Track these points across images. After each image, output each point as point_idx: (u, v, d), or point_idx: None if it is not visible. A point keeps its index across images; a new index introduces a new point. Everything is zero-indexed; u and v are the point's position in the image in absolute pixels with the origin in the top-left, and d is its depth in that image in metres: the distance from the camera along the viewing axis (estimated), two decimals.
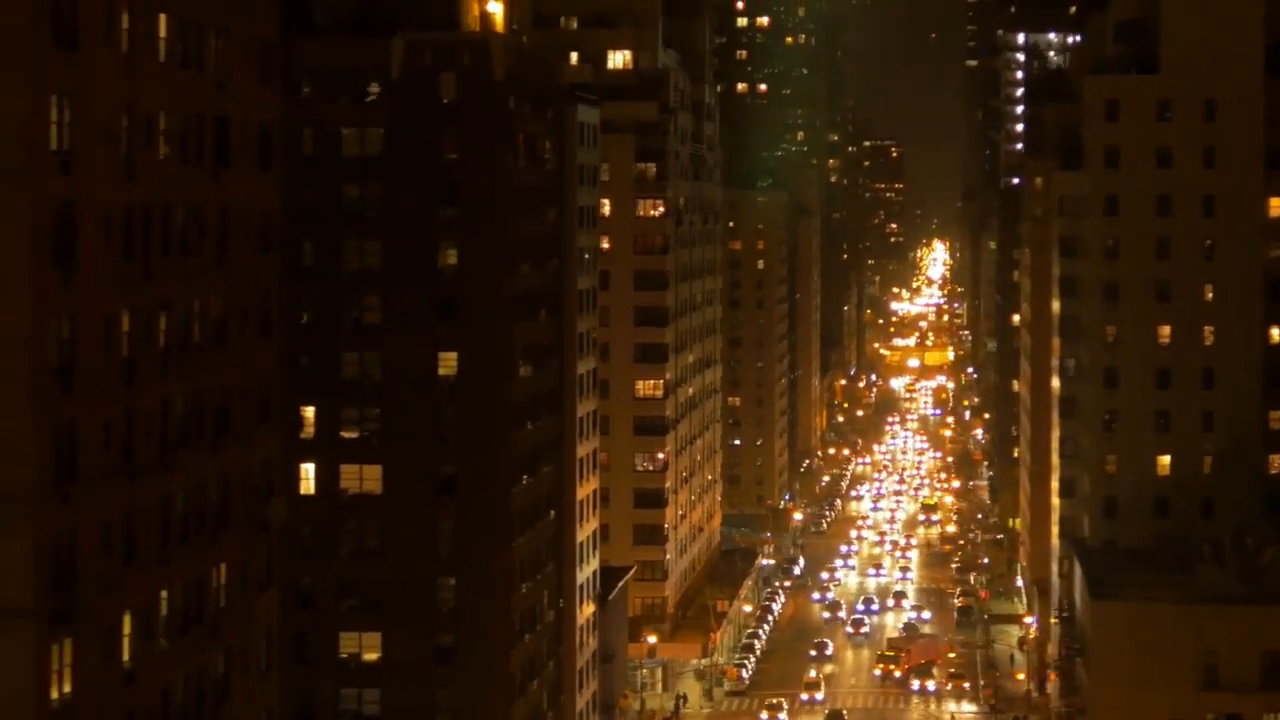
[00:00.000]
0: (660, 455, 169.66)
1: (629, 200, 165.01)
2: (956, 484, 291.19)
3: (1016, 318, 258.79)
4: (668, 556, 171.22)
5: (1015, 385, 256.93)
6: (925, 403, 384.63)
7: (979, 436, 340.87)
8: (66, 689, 58.79)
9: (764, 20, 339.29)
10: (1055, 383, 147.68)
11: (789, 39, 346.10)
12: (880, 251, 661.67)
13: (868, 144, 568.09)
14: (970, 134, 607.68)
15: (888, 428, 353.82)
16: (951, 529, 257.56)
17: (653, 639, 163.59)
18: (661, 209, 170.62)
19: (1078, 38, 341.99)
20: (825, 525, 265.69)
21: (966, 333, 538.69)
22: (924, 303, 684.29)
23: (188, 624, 68.10)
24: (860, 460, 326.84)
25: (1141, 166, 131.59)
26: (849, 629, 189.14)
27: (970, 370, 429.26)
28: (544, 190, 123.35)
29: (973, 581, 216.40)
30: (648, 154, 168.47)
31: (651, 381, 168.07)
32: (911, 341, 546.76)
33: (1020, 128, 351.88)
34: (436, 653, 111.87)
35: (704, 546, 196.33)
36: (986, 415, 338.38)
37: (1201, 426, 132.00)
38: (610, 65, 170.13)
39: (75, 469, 59.31)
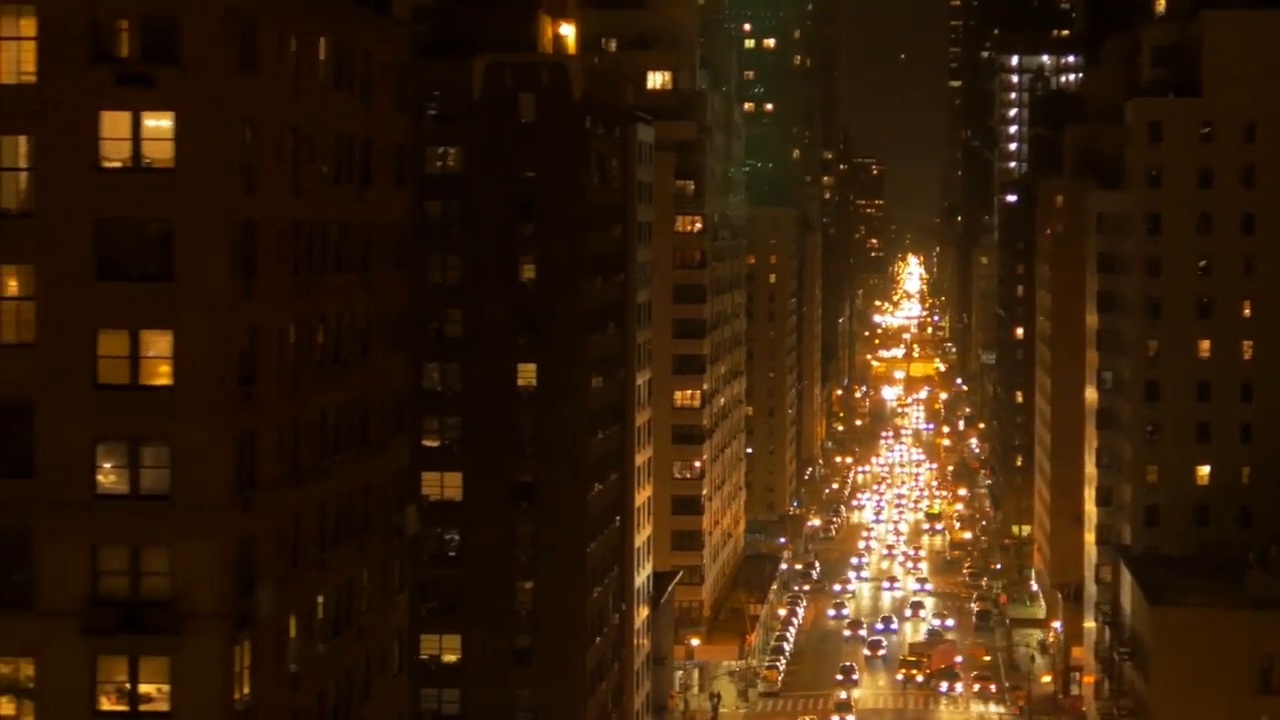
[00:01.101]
0: (696, 464, 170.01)
1: (669, 216, 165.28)
2: (964, 492, 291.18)
3: (1020, 331, 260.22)
4: (704, 561, 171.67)
5: (1019, 397, 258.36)
6: (918, 417, 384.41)
7: (974, 446, 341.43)
8: (246, 691, 59.03)
9: (770, 42, 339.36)
10: (1090, 394, 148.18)
11: (796, 59, 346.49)
12: (861, 266, 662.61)
13: (856, 160, 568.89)
14: (952, 152, 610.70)
15: (883, 441, 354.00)
16: (968, 535, 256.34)
17: (695, 641, 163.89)
18: (699, 225, 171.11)
19: (1071, 58, 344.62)
20: (834, 531, 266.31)
21: (950, 345, 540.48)
22: (904, 315, 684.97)
23: (339, 627, 68.39)
24: (860, 469, 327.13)
25: (1184, 186, 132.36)
26: (866, 651, 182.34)
27: (959, 381, 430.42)
28: (612, 207, 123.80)
29: (984, 585, 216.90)
30: (686, 172, 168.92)
31: (689, 392, 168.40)
32: (897, 353, 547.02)
33: (1015, 146, 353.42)
34: (514, 654, 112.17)
35: (731, 552, 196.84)
36: (982, 425, 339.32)
37: (1240, 438, 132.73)
38: (649, 85, 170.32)
39: (255, 477, 59.60)
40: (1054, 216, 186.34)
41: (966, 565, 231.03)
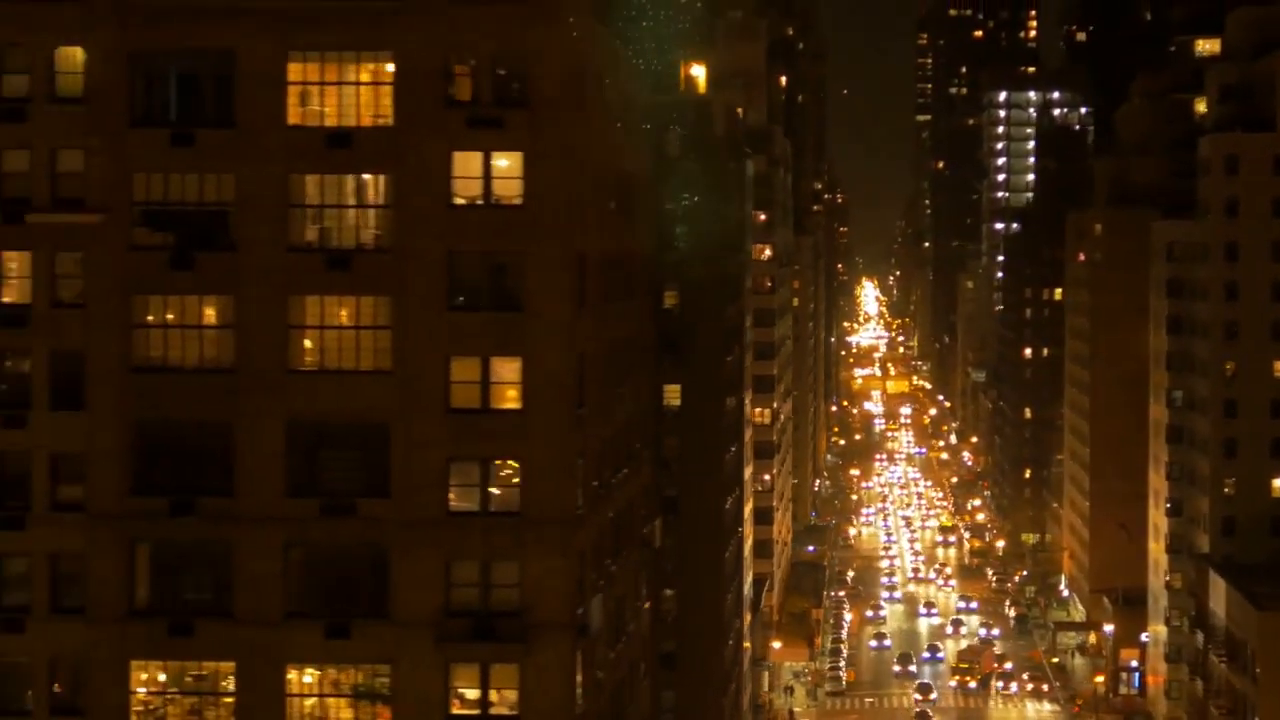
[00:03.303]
0: (767, 476, 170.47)
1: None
2: (977, 502, 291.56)
3: (1029, 351, 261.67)
4: (774, 569, 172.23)
5: (1027, 413, 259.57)
6: (908, 440, 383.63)
7: (966, 460, 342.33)
8: (579, 697, 59.33)
9: (784, 80, 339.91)
10: (1158, 412, 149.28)
11: (799, 97, 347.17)
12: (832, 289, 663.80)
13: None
14: (918, 182, 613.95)
15: (878, 462, 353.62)
16: (1000, 544, 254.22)
17: (777, 644, 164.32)
18: (769, 253, 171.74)
19: (1056, 94, 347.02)
20: (852, 540, 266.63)
21: (921, 363, 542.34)
22: (873, 335, 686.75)
23: (619, 634, 68.69)
24: (864, 484, 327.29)
25: (1259, 215, 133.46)
26: (917, 695, 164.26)
27: (941, 398, 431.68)
28: (734, 235, 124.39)
29: (1013, 590, 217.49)
30: (760, 203, 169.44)
31: (764, 409, 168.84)
32: (872, 371, 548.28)
33: (1002, 178, 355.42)
34: (660, 658, 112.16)
35: (786, 559, 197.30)
36: (974, 440, 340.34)
37: None
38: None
39: (583, 494, 59.96)
40: (1092, 244, 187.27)
41: (992, 573, 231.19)
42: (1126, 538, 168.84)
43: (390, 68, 57.55)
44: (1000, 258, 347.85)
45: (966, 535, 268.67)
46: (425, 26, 57.06)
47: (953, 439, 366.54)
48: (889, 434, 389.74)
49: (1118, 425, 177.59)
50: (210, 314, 57.98)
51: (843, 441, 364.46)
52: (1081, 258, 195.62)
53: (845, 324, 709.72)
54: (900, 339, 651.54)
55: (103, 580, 57.64)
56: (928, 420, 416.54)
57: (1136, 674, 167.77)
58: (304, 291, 57.63)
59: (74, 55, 57.78)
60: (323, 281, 57.46)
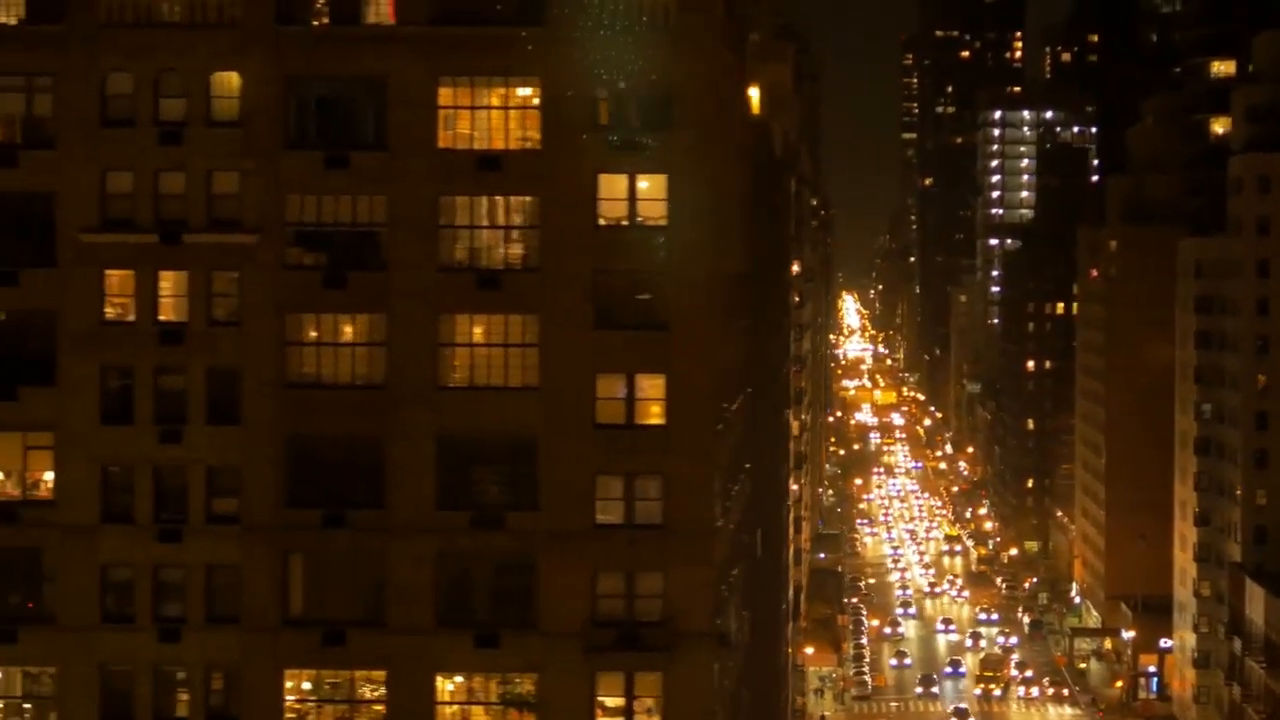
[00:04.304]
0: (795, 486, 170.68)
1: None
2: (983, 511, 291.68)
3: (1031, 364, 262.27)
4: (801, 576, 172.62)
5: (1030, 424, 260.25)
6: (904, 455, 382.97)
7: (962, 469, 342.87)
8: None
9: None
10: (1185, 424, 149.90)
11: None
12: None
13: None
14: (902, 198, 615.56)
15: (875, 475, 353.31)
16: (1012, 551, 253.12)
17: (810, 649, 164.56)
18: (797, 268, 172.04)
19: (1050, 113, 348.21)
20: (858, 548, 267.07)
21: (908, 375, 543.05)
22: (859, 347, 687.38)
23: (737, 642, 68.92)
24: (865, 496, 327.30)
25: None
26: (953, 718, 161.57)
27: (933, 409, 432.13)
28: (785, 252, 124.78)
29: (1024, 596, 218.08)
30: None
31: (794, 421, 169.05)
32: (861, 382, 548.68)
33: (997, 194, 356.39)
34: None
35: (806, 566, 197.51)
36: (970, 450, 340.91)
37: None
38: None
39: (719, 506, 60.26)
40: (1107, 260, 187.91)
41: (1001, 580, 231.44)
42: (1145, 546, 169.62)
43: (537, 92, 57.68)
44: (995, 272, 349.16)
45: (969, 544, 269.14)
46: (572, 52, 57.24)
47: (948, 449, 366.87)
48: (885, 448, 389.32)
49: (1133, 436, 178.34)
50: (362, 332, 58.10)
51: (842, 451, 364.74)
52: (1095, 273, 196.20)
53: (831, 336, 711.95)
54: (885, 351, 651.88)
55: (257, 590, 57.75)
56: (922, 431, 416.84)
57: (1154, 679, 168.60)
58: (453, 310, 57.83)
59: (230, 80, 57.86)
60: (472, 300, 57.66)
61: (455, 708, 58.40)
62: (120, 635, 57.88)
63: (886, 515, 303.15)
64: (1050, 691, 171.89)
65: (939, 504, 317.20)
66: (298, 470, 58.00)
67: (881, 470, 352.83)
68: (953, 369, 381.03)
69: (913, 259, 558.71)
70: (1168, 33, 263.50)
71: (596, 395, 57.71)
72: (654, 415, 57.89)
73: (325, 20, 59.00)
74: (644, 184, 57.83)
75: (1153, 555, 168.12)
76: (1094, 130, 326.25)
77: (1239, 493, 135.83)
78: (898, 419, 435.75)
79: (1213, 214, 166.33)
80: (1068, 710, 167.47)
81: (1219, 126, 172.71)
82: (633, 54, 57.29)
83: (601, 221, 57.75)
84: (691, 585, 57.72)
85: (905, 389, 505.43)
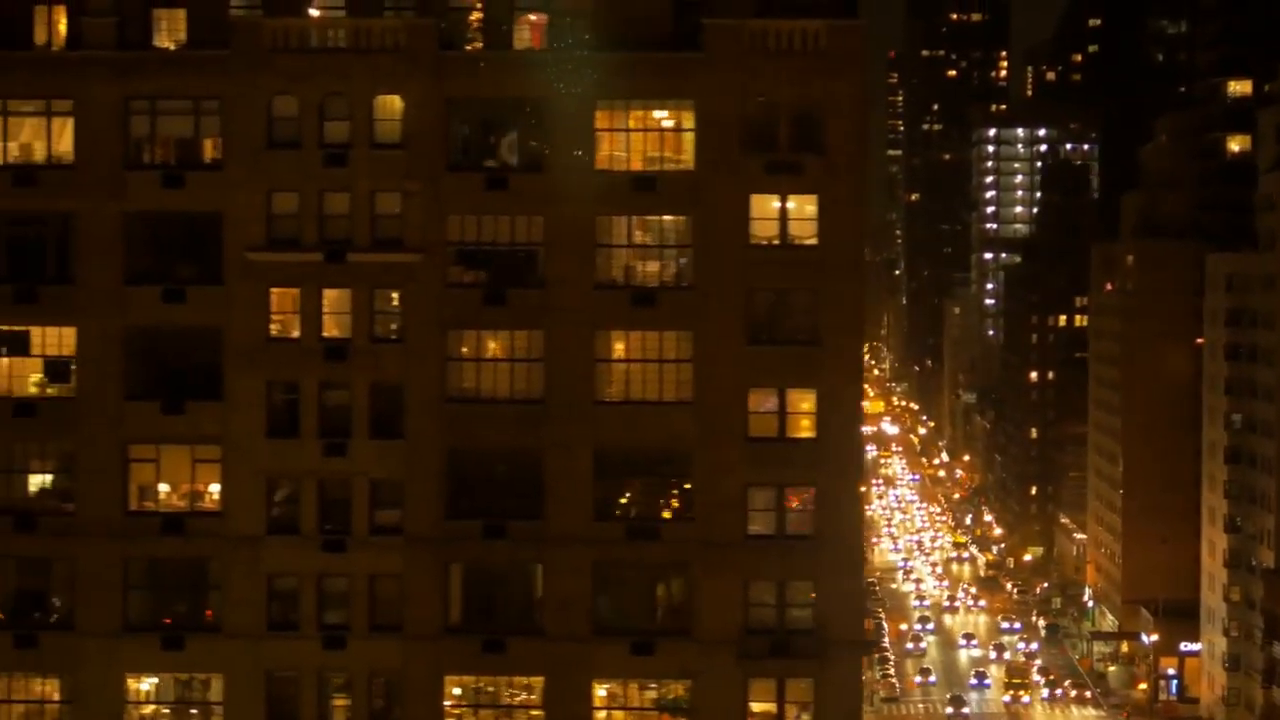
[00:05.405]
0: None
1: None
2: (989, 518, 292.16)
3: (1034, 375, 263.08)
4: None
5: (1033, 433, 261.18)
6: (902, 466, 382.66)
7: (958, 476, 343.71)
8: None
9: None
10: (1214, 434, 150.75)
11: None
12: None
13: None
14: (886, 213, 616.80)
15: (874, 487, 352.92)
16: (1026, 558, 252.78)
17: None
18: None
19: (1042, 131, 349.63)
20: (868, 555, 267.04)
21: (894, 384, 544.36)
22: None
23: None
24: (868, 506, 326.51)
25: None
26: None
27: (925, 418, 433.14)
28: None
29: (1038, 600, 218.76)
30: None
31: None
32: None
33: (991, 209, 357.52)
34: None
35: None
36: (967, 458, 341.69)
37: None
38: None
39: None
40: (1123, 274, 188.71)
41: (1011, 585, 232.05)
42: (1165, 551, 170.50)
43: (692, 114, 57.99)
44: (990, 285, 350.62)
45: (974, 550, 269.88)
46: (727, 76, 57.58)
47: (944, 457, 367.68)
48: (882, 459, 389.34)
49: (1151, 445, 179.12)
50: (520, 348, 58.31)
51: None
52: (1109, 286, 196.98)
53: None
54: (871, 362, 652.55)
55: (419, 600, 57.88)
56: (916, 440, 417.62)
57: (1174, 682, 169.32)
58: (610, 326, 58.11)
59: (392, 103, 58.03)
60: (628, 317, 57.93)
61: (610, 712, 58.49)
62: (285, 642, 57.96)
63: (890, 526, 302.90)
64: (1073, 694, 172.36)
65: (939, 510, 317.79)
66: (458, 483, 58.17)
67: (880, 482, 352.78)
68: (947, 379, 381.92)
69: (898, 272, 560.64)
70: (1174, 53, 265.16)
71: (749, 409, 57.99)
72: (804, 429, 58.21)
73: (479, 45, 59.30)
74: (794, 204, 58.12)
75: (1171, 560, 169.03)
76: (1087, 148, 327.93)
77: (1271, 500, 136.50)
78: (889, 428, 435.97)
79: (1228, 229, 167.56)
80: (1090, 712, 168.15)
81: (1235, 144, 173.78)
82: (784, 77, 57.63)
83: (754, 241, 58.01)
84: (840, 594, 58.05)
85: (895, 399, 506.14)
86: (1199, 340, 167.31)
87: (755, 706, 58.21)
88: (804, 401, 58.13)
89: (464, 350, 58.36)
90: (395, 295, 58.06)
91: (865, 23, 58.11)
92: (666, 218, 58.29)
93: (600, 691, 58.76)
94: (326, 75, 57.88)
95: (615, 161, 58.24)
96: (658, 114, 58.42)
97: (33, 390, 58.72)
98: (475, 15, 59.71)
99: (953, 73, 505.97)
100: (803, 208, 58.11)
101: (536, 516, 58.04)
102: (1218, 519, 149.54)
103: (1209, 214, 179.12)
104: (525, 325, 58.08)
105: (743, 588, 57.91)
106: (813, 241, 57.99)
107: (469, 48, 59.21)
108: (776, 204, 58.08)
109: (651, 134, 58.41)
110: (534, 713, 58.51)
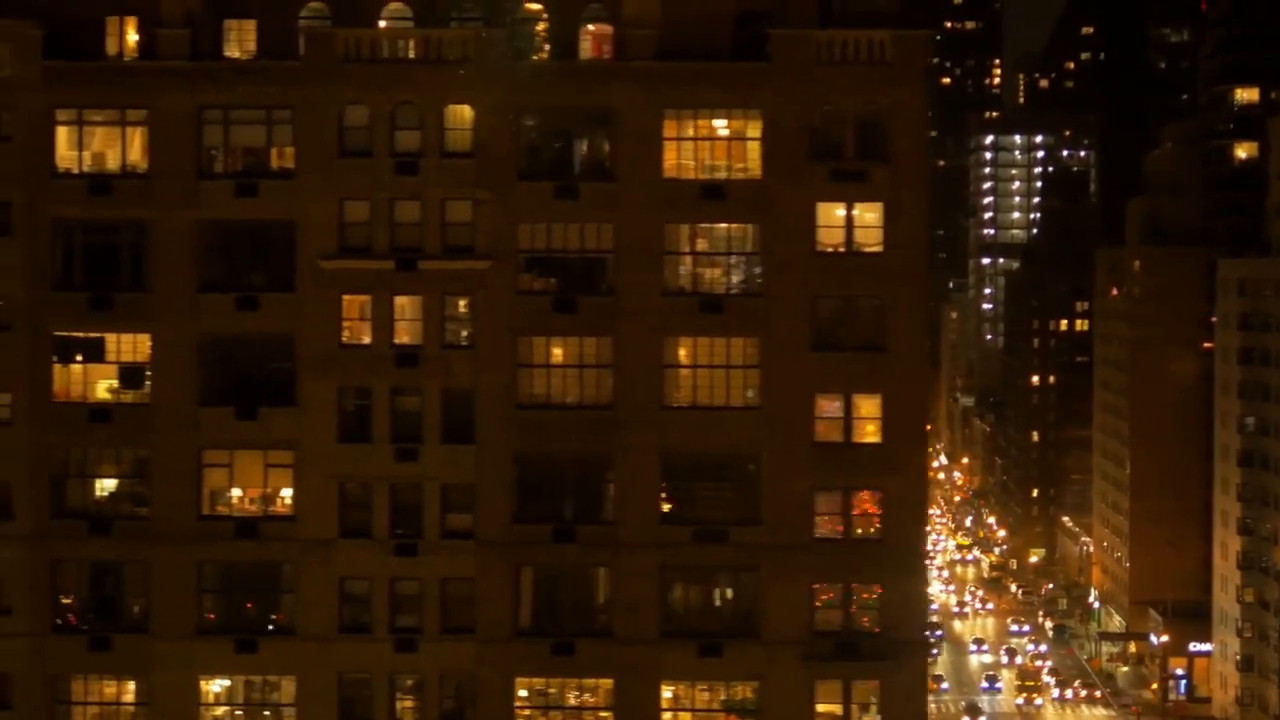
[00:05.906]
0: None
1: None
2: (992, 520, 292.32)
3: (1035, 379, 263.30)
4: None
5: (1035, 436, 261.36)
6: None
7: (956, 479, 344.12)
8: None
9: None
10: (1227, 437, 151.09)
11: None
12: None
13: None
14: None
15: None
16: (1032, 559, 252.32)
17: None
18: None
19: (1040, 138, 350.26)
20: None
21: None
22: None
23: None
24: None
25: None
26: None
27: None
28: None
29: (1044, 601, 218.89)
30: None
31: None
32: None
33: (989, 215, 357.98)
34: None
35: None
36: (965, 460, 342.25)
37: None
38: None
39: None
40: (1130, 279, 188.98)
41: (1016, 586, 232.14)
42: (1174, 553, 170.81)
43: (759, 124, 58.18)
44: (988, 290, 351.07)
45: (977, 552, 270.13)
46: (793, 86, 57.79)
47: (942, 459, 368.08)
48: None
49: (1159, 448, 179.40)
50: (590, 354, 58.45)
51: None
52: (1115, 291, 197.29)
53: None
54: None
55: (490, 603, 57.99)
56: None
57: (1183, 682, 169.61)
58: (678, 333, 58.30)
59: (462, 112, 58.16)
60: (696, 324, 58.11)
61: (676, 713, 58.63)
62: (357, 645, 58.07)
63: None
64: (1083, 694, 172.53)
65: (938, 513, 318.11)
66: (528, 487, 58.30)
67: None
68: (944, 383, 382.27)
69: None
70: (1177, 61, 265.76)
71: (815, 414, 58.17)
72: (870, 434, 58.41)
73: (544, 55, 59.53)
74: (859, 211, 58.32)
75: (1179, 562, 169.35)
76: (1083, 154, 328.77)
77: None
78: None
79: (1234, 235, 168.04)
80: (1101, 712, 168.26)
81: (1242, 151, 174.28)
82: (849, 86, 57.84)
83: (820, 248, 58.21)
84: (905, 597, 58.25)
85: None
86: (1206, 344, 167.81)
87: (821, 708, 58.35)
88: (869, 406, 58.24)
89: (534, 356, 58.43)
90: (464, 302, 58.11)
91: (930, 33, 58.34)
92: (734, 225, 58.41)
93: (666, 693, 58.87)
94: (397, 85, 58.01)
95: (683, 170, 58.38)
96: (721, 122, 58.48)
97: (106, 396, 58.69)
98: (541, 26, 59.89)
99: (947, 80, 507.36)
100: (867, 215, 58.25)
101: (605, 520, 58.20)
102: (1231, 521, 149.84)
103: (1215, 220, 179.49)
104: (595, 332, 58.21)
105: (809, 590, 58.04)
106: (877, 249, 58.19)
107: (536, 57, 59.36)
108: (842, 211, 58.25)
109: (719, 143, 58.51)
110: (602, 714, 58.61)
